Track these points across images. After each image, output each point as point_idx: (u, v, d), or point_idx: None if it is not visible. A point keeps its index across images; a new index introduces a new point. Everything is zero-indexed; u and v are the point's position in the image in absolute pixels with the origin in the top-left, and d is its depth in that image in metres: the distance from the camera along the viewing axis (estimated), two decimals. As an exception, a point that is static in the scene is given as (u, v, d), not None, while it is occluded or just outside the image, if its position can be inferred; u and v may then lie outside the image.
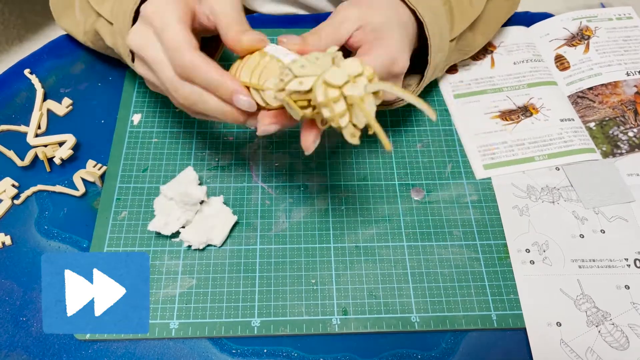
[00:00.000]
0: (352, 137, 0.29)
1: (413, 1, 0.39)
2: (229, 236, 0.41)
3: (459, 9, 0.44)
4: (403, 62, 0.37)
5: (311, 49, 0.34)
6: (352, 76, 0.28)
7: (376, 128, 0.27)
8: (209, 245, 0.41)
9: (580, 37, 0.53)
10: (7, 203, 0.42)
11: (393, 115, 0.49)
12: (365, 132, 0.30)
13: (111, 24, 0.40)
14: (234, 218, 0.41)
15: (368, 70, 0.29)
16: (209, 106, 0.33)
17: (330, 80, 0.28)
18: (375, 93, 0.29)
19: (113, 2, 0.40)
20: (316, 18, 0.56)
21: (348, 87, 0.28)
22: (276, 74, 0.31)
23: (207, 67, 0.32)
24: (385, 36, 0.36)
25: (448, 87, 0.51)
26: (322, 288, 0.39)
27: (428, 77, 0.42)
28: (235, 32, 0.33)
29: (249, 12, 0.62)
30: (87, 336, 0.36)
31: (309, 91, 0.29)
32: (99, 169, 0.44)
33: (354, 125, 0.29)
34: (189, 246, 0.40)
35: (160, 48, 0.33)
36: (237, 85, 0.32)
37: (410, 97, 0.28)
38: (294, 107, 0.30)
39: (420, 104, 0.27)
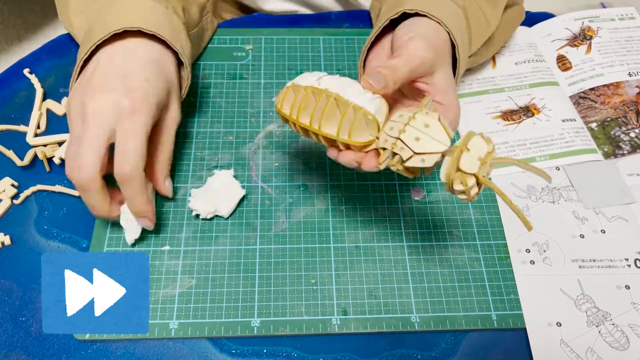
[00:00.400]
0: (472, 199, 0.30)
1: (449, 25, 0.38)
2: (236, 210, 0.42)
3: (476, 28, 0.43)
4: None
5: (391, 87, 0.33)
6: (482, 158, 0.29)
7: (513, 207, 0.28)
8: (209, 245, 0.41)
9: (582, 37, 0.53)
10: (6, 203, 0.42)
11: (393, 115, 0.49)
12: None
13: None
14: (242, 191, 0.42)
15: (490, 145, 0.29)
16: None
17: (467, 169, 0.28)
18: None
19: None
20: (318, 18, 0.55)
21: (482, 171, 0.29)
22: (351, 121, 0.31)
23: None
24: (447, 91, 0.36)
25: None
26: (322, 288, 0.39)
27: None
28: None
29: (251, 11, 0.63)
30: (87, 336, 0.36)
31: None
32: (98, 169, 0.43)
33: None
34: (197, 215, 0.41)
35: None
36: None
37: (528, 167, 0.29)
38: (405, 174, 0.31)
39: (537, 171, 0.28)
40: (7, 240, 0.40)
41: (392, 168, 0.31)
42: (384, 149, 0.31)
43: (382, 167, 0.32)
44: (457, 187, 0.29)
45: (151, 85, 0.37)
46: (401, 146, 0.30)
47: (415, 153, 0.30)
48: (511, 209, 0.28)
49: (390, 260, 0.41)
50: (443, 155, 0.29)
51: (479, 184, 0.29)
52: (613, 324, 0.38)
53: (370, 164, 0.33)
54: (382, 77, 0.33)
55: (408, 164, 0.30)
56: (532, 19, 0.55)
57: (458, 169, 0.29)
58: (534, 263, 0.40)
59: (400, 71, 0.34)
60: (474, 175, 0.28)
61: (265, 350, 0.37)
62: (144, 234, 0.41)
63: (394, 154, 0.31)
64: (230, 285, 0.39)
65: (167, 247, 0.40)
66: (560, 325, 0.38)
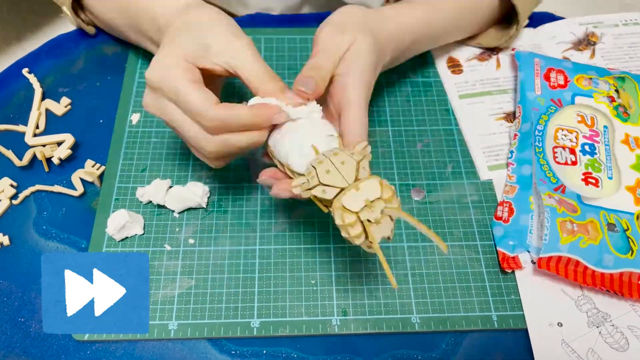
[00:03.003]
0: (368, 249, 0.31)
1: None
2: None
3: None
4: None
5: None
6: (370, 201, 0.30)
7: (381, 260, 0.30)
8: (208, 246, 0.41)
9: (586, 42, 0.53)
10: (5, 203, 0.42)
11: (393, 115, 0.49)
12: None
13: None
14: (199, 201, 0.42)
15: (387, 193, 0.30)
16: (241, 144, 0.34)
17: (348, 206, 0.30)
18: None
19: None
20: (318, 18, 0.55)
21: (365, 213, 0.30)
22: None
23: (235, 113, 0.33)
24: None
25: (453, 87, 0.50)
26: (322, 289, 0.39)
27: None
28: (278, 91, 0.34)
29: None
30: (86, 337, 0.36)
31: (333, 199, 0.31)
32: (97, 169, 0.43)
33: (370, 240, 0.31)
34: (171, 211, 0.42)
35: (179, 110, 0.34)
36: (273, 108, 0.34)
37: (422, 228, 0.30)
38: (320, 205, 0.33)
39: (431, 235, 0.30)
40: (5, 240, 0.40)
41: (303, 195, 0.32)
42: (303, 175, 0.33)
43: (295, 191, 0.33)
44: (337, 221, 0.30)
45: None
46: (313, 175, 0.32)
47: (320, 183, 0.31)
48: (425, 233, 0.30)
49: (390, 260, 0.40)
50: (342, 190, 0.31)
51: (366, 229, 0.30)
52: (613, 325, 0.38)
53: (282, 185, 0.35)
54: (312, 81, 0.35)
55: (313, 191, 0.32)
56: (537, 20, 0.55)
57: (343, 205, 0.30)
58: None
59: (324, 68, 0.36)
60: (356, 214, 0.30)
61: (265, 351, 0.37)
62: (147, 233, 0.41)
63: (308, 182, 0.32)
64: (229, 285, 0.39)
65: (166, 247, 0.40)
66: (562, 325, 0.38)
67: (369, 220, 0.30)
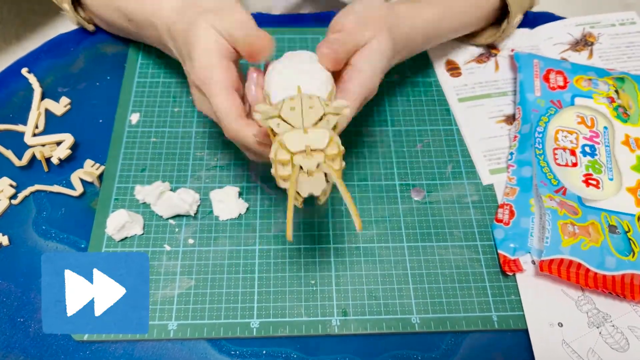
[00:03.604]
0: (295, 200, 0.30)
1: None
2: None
3: None
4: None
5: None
6: (311, 149, 0.29)
7: (288, 217, 0.28)
8: (208, 246, 0.41)
9: (583, 43, 0.53)
10: (4, 203, 0.42)
11: (394, 115, 0.49)
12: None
13: None
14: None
15: (332, 149, 0.29)
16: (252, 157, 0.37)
17: (287, 143, 0.29)
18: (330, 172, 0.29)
19: None
20: (318, 17, 0.55)
21: (299, 157, 0.29)
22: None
23: (243, 135, 0.34)
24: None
25: (452, 90, 0.50)
26: (322, 289, 0.39)
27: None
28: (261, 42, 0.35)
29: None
30: (85, 337, 0.36)
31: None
32: (97, 169, 0.43)
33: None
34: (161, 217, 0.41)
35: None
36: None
37: (348, 200, 0.29)
38: (272, 140, 0.32)
39: (352, 210, 0.29)
40: (5, 240, 0.40)
41: (261, 122, 0.31)
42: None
43: (255, 116, 0.31)
44: (271, 154, 0.29)
45: None
46: (279, 107, 0.31)
47: (279, 116, 0.30)
48: (348, 205, 0.29)
49: (390, 261, 0.40)
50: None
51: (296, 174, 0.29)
52: (613, 326, 0.38)
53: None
54: (335, 47, 0.35)
55: (269, 121, 0.31)
56: (534, 20, 0.55)
57: (283, 141, 0.29)
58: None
59: (346, 43, 0.36)
60: (291, 154, 0.29)
61: (264, 352, 0.37)
62: (147, 233, 0.41)
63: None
64: (229, 286, 0.39)
65: (166, 247, 0.40)
66: (562, 325, 0.38)
67: (301, 168, 0.28)
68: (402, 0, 0.45)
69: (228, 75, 0.35)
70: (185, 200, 0.41)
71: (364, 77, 0.36)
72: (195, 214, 0.42)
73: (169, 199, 0.41)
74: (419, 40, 0.45)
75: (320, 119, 0.31)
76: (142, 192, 0.42)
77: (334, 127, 0.31)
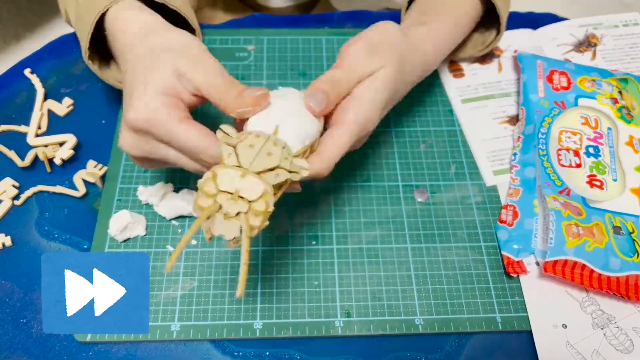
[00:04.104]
0: (206, 232, 0.29)
1: None
2: None
3: None
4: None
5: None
6: (238, 195, 0.28)
7: (177, 249, 0.27)
8: (210, 247, 0.40)
9: (587, 44, 0.53)
10: (7, 204, 0.42)
11: (396, 115, 0.48)
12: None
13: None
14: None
15: (260, 206, 0.28)
16: None
17: (219, 178, 0.28)
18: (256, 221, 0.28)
19: None
20: (321, 18, 0.55)
21: (223, 197, 0.28)
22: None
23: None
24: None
25: (455, 92, 0.50)
26: (325, 290, 0.39)
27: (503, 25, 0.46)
28: (234, 99, 0.31)
29: (257, 9, 0.62)
30: (88, 338, 0.36)
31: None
32: (99, 170, 0.43)
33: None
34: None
35: (172, 150, 0.32)
36: None
37: (243, 268, 0.27)
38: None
39: (241, 276, 0.27)
40: (7, 241, 0.40)
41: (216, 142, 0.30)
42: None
43: (218, 135, 0.30)
44: (199, 180, 0.28)
45: None
46: (240, 139, 0.30)
47: (234, 147, 0.29)
48: (241, 268, 0.27)
49: (393, 262, 0.40)
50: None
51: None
52: (617, 327, 0.38)
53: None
54: (323, 98, 0.32)
55: (222, 148, 0.29)
56: (536, 21, 0.55)
57: (215, 173, 0.28)
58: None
59: (341, 85, 0.33)
60: (217, 191, 0.28)
61: (267, 353, 0.36)
62: (149, 234, 0.40)
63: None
64: (232, 287, 0.39)
65: (169, 248, 0.40)
66: (566, 327, 0.38)
67: (220, 207, 0.27)
68: (413, 21, 0.43)
69: (182, 110, 0.32)
70: (188, 201, 0.41)
71: (362, 107, 0.33)
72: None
73: (171, 200, 0.41)
74: (430, 63, 0.42)
75: (271, 170, 0.29)
76: (145, 193, 0.42)
77: (281, 184, 0.30)
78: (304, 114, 0.32)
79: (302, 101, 0.33)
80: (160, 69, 0.32)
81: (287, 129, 0.31)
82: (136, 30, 0.36)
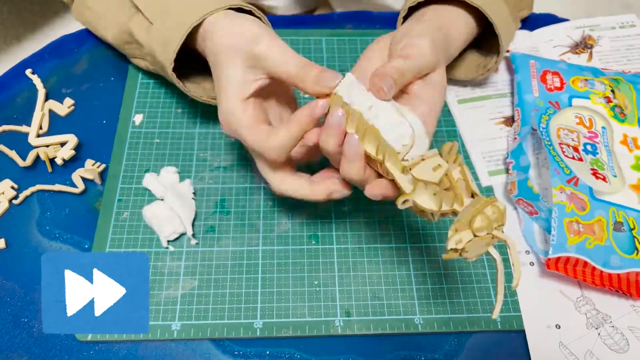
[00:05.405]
0: (451, 254, 0.30)
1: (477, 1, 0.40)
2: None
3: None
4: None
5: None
6: (494, 223, 0.30)
7: (499, 287, 0.31)
8: (211, 246, 0.41)
9: (583, 45, 0.54)
10: (4, 205, 0.42)
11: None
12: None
13: (151, 23, 0.41)
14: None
15: (504, 219, 0.31)
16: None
17: (477, 227, 0.30)
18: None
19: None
20: (321, 19, 0.56)
21: (479, 226, 0.30)
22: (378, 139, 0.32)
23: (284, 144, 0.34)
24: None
25: (451, 92, 0.51)
26: (325, 289, 0.39)
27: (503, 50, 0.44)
28: (315, 77, 0.33)
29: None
30: (89, 337, 0.36)
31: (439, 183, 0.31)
32: (97, 167, 0.43)
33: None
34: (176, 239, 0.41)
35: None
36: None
37: (500, 286, 0.31)
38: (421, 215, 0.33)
39: (500, 296, 0.31)
40: (1, 243, 0.40)
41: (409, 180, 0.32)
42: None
43: (402, 206, 0.32)
44: (451, 243, 0.30)
45: None
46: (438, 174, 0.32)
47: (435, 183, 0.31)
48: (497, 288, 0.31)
49: (393, 261, 0.41)
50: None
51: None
52: (613, 327, 0.38)
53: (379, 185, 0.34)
54: (392, 84, 0.33)
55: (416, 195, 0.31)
56: (533, 22, 0.55)
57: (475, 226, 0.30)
58: (533, 264, 0.41)
59: (406, 77, 0.34)
60: (479, 236, 0.30)
61: (267, 352, 0.37)
62: (146, 234, 0.41)
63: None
64: (232, 286, 0.39)
65: (169, 248, 0.40)
66: (559, 327, 0.38)
67: (475, 235, 0.30)
68: (435, 12, 0.41)
69: (253, 112, 0.35)
70: (182, 215, 0.41)
71: (436, 112, 0.35)
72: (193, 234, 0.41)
73: (161, 215, 0.41)
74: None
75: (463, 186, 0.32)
76: (151, 182, 0.42)
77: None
78: (411, 117, 0.33)
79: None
80: (230, 66, 0.35)
81: (384, 113, 0.32)
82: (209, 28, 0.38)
